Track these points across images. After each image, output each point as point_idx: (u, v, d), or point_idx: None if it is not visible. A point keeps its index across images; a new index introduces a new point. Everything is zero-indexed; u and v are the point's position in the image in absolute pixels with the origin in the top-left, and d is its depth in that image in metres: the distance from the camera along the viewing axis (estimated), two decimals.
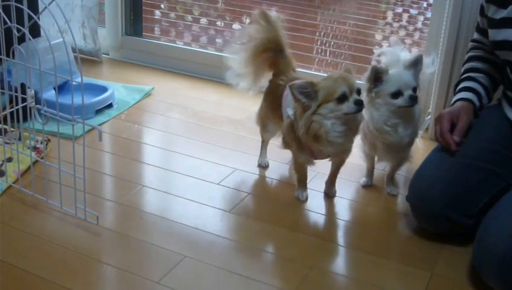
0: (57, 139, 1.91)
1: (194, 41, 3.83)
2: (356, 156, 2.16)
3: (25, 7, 1.81)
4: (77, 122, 1.79)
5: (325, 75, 2.07)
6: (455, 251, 1.87)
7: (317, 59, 3.56)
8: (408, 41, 3.84)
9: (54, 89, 2.08)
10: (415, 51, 3.63)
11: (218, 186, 2.18)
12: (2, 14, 1.87)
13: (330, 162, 2.11)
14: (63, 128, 1.91)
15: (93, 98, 2.69)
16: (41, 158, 2.15)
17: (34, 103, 2.05)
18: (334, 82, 1.89)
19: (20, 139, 2.16)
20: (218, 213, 2.03)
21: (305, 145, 1.98)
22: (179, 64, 3.23)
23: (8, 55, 1.96)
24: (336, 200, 2.14)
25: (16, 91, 2.04)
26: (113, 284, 1.74)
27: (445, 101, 2.52)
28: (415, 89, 1.95)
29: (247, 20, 4.08)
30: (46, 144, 2.27)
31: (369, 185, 2.20)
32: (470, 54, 2.08)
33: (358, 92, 1.89)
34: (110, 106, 2.75)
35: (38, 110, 1.91)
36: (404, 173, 2.29)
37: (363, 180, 2.21)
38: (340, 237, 1.96)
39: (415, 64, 1.99)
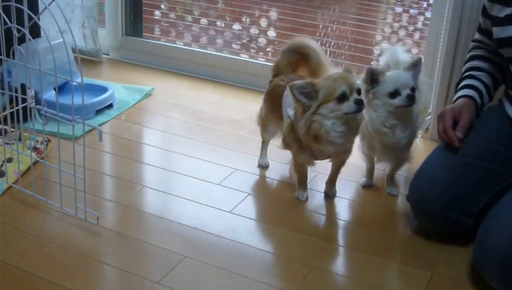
0: (57, 140, 1.91)
1: (194, 42, 3.83)
2: (356, 156, 2.16)
3: (25, 7, 1.81)
4: (77, 123, 1.79)
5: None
6: (455, 250, 1.87)
7: None
8: (408, 41, 3.84)
9: (54, 89, 2.08)
10: (415, 52, 3.64)
11: (218, 187, 2.18)
12: (2, 14, 1.87)
13: (330, 163, 2.11)
14: (63, 128, 1.91)
15: (94, 98, 2.69)
16: (42, 158, 2.15)
17: (34, 104, 2.05)
18: (334, 82, 1.89)
19: (20, 139, 2.16)
20: (218, 213, 2.03)
21: (305, 146, 1.98)
22: (179, 65, 3.23)
23: (8, 56, 1.96)
24: (336, 200, 2.14)
25: (16, 91, 2.04)
26: (113, 285, 1.74)
27: (445, 101, 2.52)
28: (413, 89, 1.95)
29: (247, 20, 4.09)
30: (46, 145, 2.27)
31: (369, 185, 2.21)
32: (471, 53, 2.08)
33: (359, 91, 1.89)
34: (110, 106, 2.75)
35: (39, 110, 1.91)
36: (404, 173, 2.29)
37: (362, 180, 2.22)
38: (340, 237, 1.96)
39: (414, 67, 1.99)
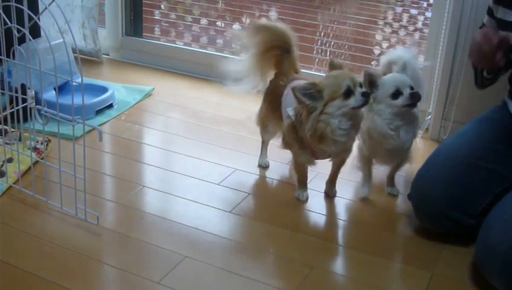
0: (57, 140, 1.91)
1: (194, 42, 3.83)
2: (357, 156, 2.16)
3: (25, 8, 1.81)
4: (77, 123, 1.79)
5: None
6: (456, 250, 1.87)
7: (317, 59, 3.56)
8: (408, 41, 3.84)
9: (54, 89, 2.08)
10: (415, 52, 3.63)
11: (219, 187, 2.18)
12: (2, 14, 1.87)
13: (330, 163, 2.11)
14: (63, 128, 1.91)
15: (94, 98, 2.69)
16: (42, 159, 2.15)
17: (34, 104, 2.05)
18: (336, 78, 1.88)
19: (20, 139, 2.16)
20: (218, 213, 2.03)
21: (306, 145, 1.98)
22: (179, 65, 3.23)
23: (8, 56, 1.96)
24: (336, 200, 2.14)
25: (16, 92, 2.04)
26: (113, 285, 1.74)
27: (445, 101, 2.52)
28: (412, 88, 1.95)
29: (248, 20, 4.08)
30: (47, 145, 2.27)
31: (368, 197, 2.16)
32: None
33: (361, 85, 1.89)
34: (110, 106, 2.75)
35: (39, 110, 1.91)
36: (405, 173, 2.29)
37: (362, 192, 2.14)
38: (341, 237, 1.96)
39: (405, 68, 2.00)
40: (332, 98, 1.86)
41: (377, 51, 3.71)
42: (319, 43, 3.77)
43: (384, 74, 2.04)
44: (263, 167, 2.31)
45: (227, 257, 1.82)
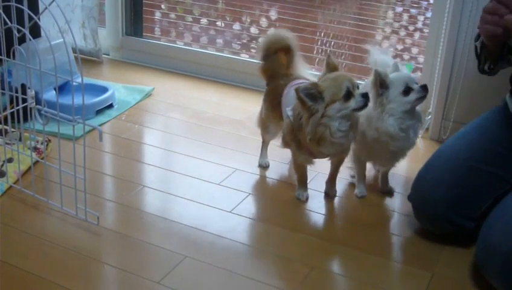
0: (57, 140, 1.91)
1: (194, 42, 3.83)
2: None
3: (25, 7, 1.81)
4: (77, 123, 1.79)
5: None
6: (456, 251, 1.87)
7: (317, 59, 3.56)
8: (408, 41, 3.85)
9: (55, 89, 2.08)
10: (415, 51, 3.64)
11: (219, 187, 2.18)
12: (3, 14, 1.87)
13: (329, 162, 2.11)
14: (63, 128, 1.91)
15: (94, 98, 2.69)
16: (42, 159, 2.15)
17: (34, 104, 2.05)
18: (336, 81, 1.88)
19: (20, 139, 2.16)
20: (218, 213, 2.03)
21: (304, 146, 1.98)
22: (179, 65, 3.23)
23: (8, 56, 1.96)
24: (336, 200, 2.14)
25: (17, 92, 2.04)
26: (113, 285, 1.74)
27: (445, 100, 2.52)
28: (416, 82, 1.96)
29: (248, 20, 4.09)
30: (47, 145, 2.27)
31: (365, 196, 2.16)
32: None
33: (358, 86, 1.90)
34: (110, 106, 2.75)
35: (39, 110, 1.91)
36: (405, 173, 2.29)
37: (359, 192, 2.15)
38: (341, 237, 1.96)
39: (397, 70, 2.02)
40: (333, 100, 1.86)
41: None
42: (319, 43, 3.77)
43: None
44: (263, 166, 2.31)
45: (228, 257, 1.82)
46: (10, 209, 1.99)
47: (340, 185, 2.17)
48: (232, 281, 1.71)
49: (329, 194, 2.14)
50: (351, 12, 4.18)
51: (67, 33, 1.92)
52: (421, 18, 4.06)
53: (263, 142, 2.32)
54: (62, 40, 1.89)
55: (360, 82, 2.12)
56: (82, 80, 1.73)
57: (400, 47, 3.78)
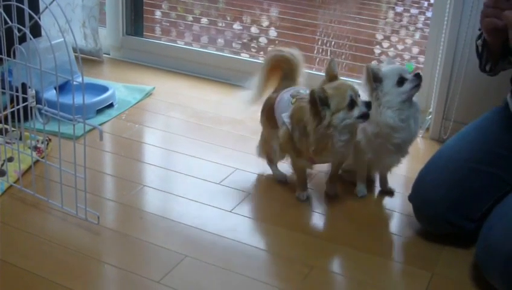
0: (57, 139, 1.91)
1: (194, 41, 3.83)
2: None
3: (25, 7, 1.81)
4: (78, 122, 1.79)
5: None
6: (456, 251, 1.87)
7: (318, 59, 3.56)
8: (409, 41, 3.84)
9: (55, 88, 2.08)
10: (416, 51, 3.64)
11: (219, 186, 2.18)
12: (3, 13, 1.87)
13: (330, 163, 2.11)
14: (63, 128, 1.91)
15: (94, 97, 2.69)
16: (42, 158, 2.15)
17: (34, 103, 2.05)
18: (339, 90, 1.87)
19: (21, 139, 2.16)
20: (218, 213, 2.03)
21: (303, 154, 1.98)
22: (179, 64, 3.23)
23: (9, 55, 1.96)
24: (336, 199, 2.14)
25: (17, 91, 2.05)
26: (113, 284, 1.74)
27: (445, 100, 2.52)
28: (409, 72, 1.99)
29: (248, 20, 4.08)
30: (47, 144, 2.27)
31: (366, 196, 2.16)
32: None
33: (359, 94, 1.90)
34: (110, 105, 2.75)
35: (39, 109, 1.91)
36: (405, 173, 2.29)
37: (360, 191, 2.15)
38: (341, 236, 1.96)
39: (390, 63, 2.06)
40: (338, 110, 1.86)
41: (377, 51, 3.72)
42: (319, 43, 3.77)
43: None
44: (284, 181, 2.21)
45: (228, 256, 1.82)
46: (10, 208, 1.99)
47: (340, 185, 2.17)
48: (232, 281, 1.71)
49: (330, 193, 2.14)
50: (352, 12, 4.18)
51: (68, 32, 1.92)
52: (422, 18, 4.06)
53: (271, 163, 2.25)
54: (62, 39, 1.89)
55: (359, 81, 2.12)
56: (82, 79, 1.73)
57: (400, 47, 3.78)
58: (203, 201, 2.08)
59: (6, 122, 2.07)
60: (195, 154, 2.39)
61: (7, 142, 2.15)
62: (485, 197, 1.81)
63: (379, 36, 3.91)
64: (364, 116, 1.89)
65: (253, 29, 4.03)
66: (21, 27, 1.83)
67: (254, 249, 1.86)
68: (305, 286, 1.71)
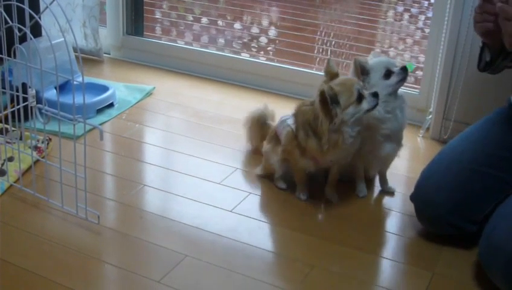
0: (58, 139, 1.91)
1: (195, 41, 3.84)
2: None
3: (26, 7, 1.81)
4: (78, 122, 1.79)
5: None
6: (456, 250, 1.87)
7: (318, 58, 3.56)
8: (409, 40, 3.85)
9: (55, 88, 2.08)
10: (416, 50, 3.64)
11: (219, 186, 2.18)
12: (4, 13, 1.87)
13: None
14: (64, 127, 1.91)
15: (94, 97, 2.69)
16: (43, 157, 2.15)
17: (35, 103, 2.05)
18: (345, 85, 1.88)
19: (21, 138, 2.16)
20: (219, 212, 2.03)
21: (308, 153, 1.98)
22: (180, 64, 3.23)
23: (9, 55, 1.96)
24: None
25: (17, 90, 2.05)
26: (113, 284, 1.74)
27: (446, 100, 2.52)
28: (395, 65, 2.02)
29: (248, 20, 4.09)
30: (47, 144, 2.27)
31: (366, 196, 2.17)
32: None
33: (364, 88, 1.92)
34: (111, 105, 2.75)
35: (40, 109, 1.91)
36: (405, 173, 2.29)
37: (360, 191, 2.15)
38: (341, 236, 1.96)
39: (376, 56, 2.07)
40: (347, 105, 1.87)
41: (377, 51, 3.72)
42: (320, 43, 3.77)
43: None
44: (284, 189, 2.17)
45: (228, 256, 1.82)
46: (10, 208, 1.99)
47: (341, 185, 2.17)
48: (232, 280, 1.71)
49: (332, 200, 2.11)
50: (352, 12, 4.18)
51: (68, 32, 1.92)
52: (422, 17, 4.06)
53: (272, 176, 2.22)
54: (63, 39, 1.90)
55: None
56: (83, 79, 1.73)
57: (400, 46, 3.78)
58: (204, 201, 2.08)
59: (6, 121, 2.07)
60: (195, 154, 2.39)
61: (7, 142, 2.15)
62: (487, 200, 1.80)
63: (379, 36, 3.91)
64: (374, 108, 1.91)
65: (254, 29, 4.03)
66: (21, 27, 1.83)
67: (254, 249, 1.86)
68: (306, 285, 1.71)
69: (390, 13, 4.21)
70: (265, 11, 4.37)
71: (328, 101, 1.84)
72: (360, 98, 1.88)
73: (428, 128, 2.62)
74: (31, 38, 1.83)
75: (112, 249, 1.85)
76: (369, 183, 2.20)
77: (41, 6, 2.54)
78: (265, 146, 2.18)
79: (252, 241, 1.89)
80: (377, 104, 1.90)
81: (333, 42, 3.76)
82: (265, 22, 4.18)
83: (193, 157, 2.37)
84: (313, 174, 2.11)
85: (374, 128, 2.01)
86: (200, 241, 1.88)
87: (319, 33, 3.91)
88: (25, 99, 2.05)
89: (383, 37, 3.93)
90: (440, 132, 2.56)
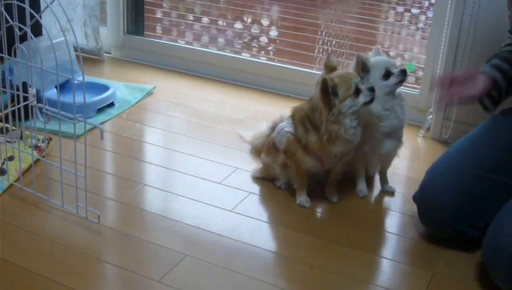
0: (58, 138, 1.91)
1: (195, 40, 3.83)
2: None
3: (27, 6, 1.81)
4: (79, 121, 1.79)
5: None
6: (457, 250, 1.87)
7: (318, 58, 3.56)
8: (410, 40, 3.84)
9: (56, 87, 2.08)
10: (416, 51, 3.63)
11: (220, 186, 2.18)
12: (4, 12, 1.87)
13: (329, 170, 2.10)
14: (64, 127, 1.91)
15: (95, 96, 2.69)
16: (43, 157, 2.15)
17: (35, 102, 2.05)
18: (344, 78, 1.91)
19: (21, 137, 2.17)
20: (219, 212, 2.03)
21: (311, 152, 1.98)
22: (180, 63, 3.23)
23: (10, 54, 1.96)
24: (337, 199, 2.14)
25: (18, 90, 2.05)
26: (114, 283, 1.74)
27: None
28: (396, 66, 2.03)
29: (249, 19, 4.08)
30: (48, 143, 2.27)
31: (366, 196, 2.17)
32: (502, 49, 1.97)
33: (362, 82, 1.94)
34: (111, 104, 2.75)
35: (40, 108, 1.91)
36: (406, 173, 2.29)
37: (360, 191, 2.16)
38: (341, 236, 1.96)
39: (378, 54, 2.09)
40: (345, 97, 1.89)
41: (378, 47, 3.71)
42: (320, 43, 3.77)
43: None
44: (305, 206, 2.11)
45: (228, 255, 1.82)
46: (11, 207, 1.99)
47: (341, 185, 2.17)
48: (232, 280, 1.71)
49: (332, 200, 2.11)
50: (353, 12, 4.18)
51: (69, 31, 1.92)
52: (423, 18, 4.06)
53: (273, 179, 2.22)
54: (63, 38, 1.89)
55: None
56: (83, 78, 1.73)
57: (401, 46, 3.78)
58: (204, 200, 2.08)
59: (7, 121, 2.07)
60: (196, 153, 2.39)
61: (8, 141, 2.15)
62: (491, 206, 1.77)
63: (380, 36, 3.91)
64: (370, 102, 1.93)
65: (254, 29, 4.03)
66: (22, 26, 1.83)
67: (255, 249, 1.86)
68: (306, 285, 1.71)
69: (391, 13, 4.21)
70: (266, 10, 4.36)
71: (330, 90, 1.86)
72: (357, 91, 1.90)
73: (428, 128, 2.62)
74: (31, 38, 1.83)
75: (112, 248, 1.85)
76: (369, 183, 2.20)
77: (42, 5, 2.54)
78: (265, 158, 2.18)
79: (252, 241, 1.89)
80: (373, 99, 1.92)
81: (334, 42, 3.76)
82: (266, 22, 4.17)
83: (193, 157, 2.37)
84: (314, 176, 2.11)
85: (373, 125, 2.02)
86: (200, 241, 1.88)
87: (319, 33, 3.91)
88: (26, 99, 2.05)
89: (384, 37, 3.93)
90: (440, 132, 2.56)
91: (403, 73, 1.99)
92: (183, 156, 2.39)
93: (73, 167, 1.85)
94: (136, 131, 2.59)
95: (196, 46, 3.53)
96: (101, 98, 2.71)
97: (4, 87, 2.08)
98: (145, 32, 3.46)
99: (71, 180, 1.88)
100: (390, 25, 4.07)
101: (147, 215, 2.00)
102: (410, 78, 2.82)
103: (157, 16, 4.03)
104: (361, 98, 1.91)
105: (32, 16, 1.79)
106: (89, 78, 2.70)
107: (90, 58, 3.27)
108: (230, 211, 2.03)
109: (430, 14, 3.77)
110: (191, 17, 4.12)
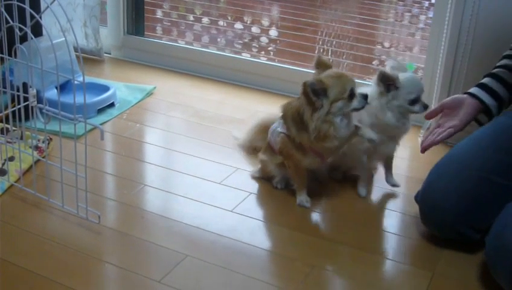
0: (58, 138, 1.91)
1: (195, 41, 3.84)
2: None
3: (27, 6, 1.81)
4: (79, 122, 1.79)
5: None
6: (457, 250, 1.87)
7: None
8: (410, 40, 3.85)
9: (56, 88, 2.08)
10: (416, 51, 3.64)
11: (220, 186, 2.18)
12: (4, 13, 1.87)
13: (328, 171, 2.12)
14: (64, 127, 1.91)
15: (95, 97, 2.69)
16: (43, 157, 2.15)
17: (36, 102, 2.05)
18: (340, 80, 1.92)
19: (22, 138, 2.17)
20: (219, 212, 2.03)
21: (308, 149, 1.98)
22: (180, 64, 3.23)
23: (10, 55, 1.96)
24: (337, 199, 2.14)
25: (18, 90, 2.05)
26: (114, 283, 1.74)
27: None
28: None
29: (249, 20, 4.09)
30: (48, 143, 2.27)
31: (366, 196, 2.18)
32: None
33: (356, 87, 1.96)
34: (111, 105, 2.75)
35: (40, 109, 1.91)
36: (406, 173, 2.29)
37: (362, 191, 2.16)
38: (341, 236, 1.96)
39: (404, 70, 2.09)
40: (337, 99, 1.90)
41: (378, 51, 3.72)
42: (320, 43, 3.77)
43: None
44: (305, 206, 2.11)
45: (229, 255, 1.82)
46: (11, 207, 1.99)
47: (341, 185, 2.17)
48: (232, 280, 1.71)
49: (335, 178, 2.15)
50: (353, 12, 4.19)
51: (69, 32, 1.92)
52: (423, 18, 4.06)
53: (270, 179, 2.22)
54: (64, 38, 1.89)
55: (367, 82, 2.14)
56: (83, 78, 1.73)
57: (401, 46, 3.78)
58: (204, 200, 2.08)
59: (7, 121, 2.07)
60: (196, 153, 2.40)
61: (8, 142, 2.15)
62: (494, 209, 1.75)
63: (380, 36, 3.91)
64: (361, 109, 1.96)
65: (254, 29, 4.03)
66: (22, 26, 1.83)
67: (255, 249, 1.86)
68: (306, 285, 1.71)
69: (391, 13, 4.22)
70: (266, 11, 4.37)
71: (310, 93, 1.87)
72: (351, 96, 1.92)
73: (428, 128, 2.61)
74: (31, 38, 1.83)
75: (113, 248, 1.85)
76: (370, 183, 2.20)
77: (42, 5, 2.54)
78: (262, 155, 2.18)
79: (252, 241, 1.89)
80: (364, 106, 1.94)
81: (334, 42, 3.76)
82: (266, 22, 4.18)
83: (193, 157, 2.37)
84: (313, 173, 2.12)
85: (383, 130, 2.04)
86: (201, 241, 1.88)
87: (319, 33, 3.91)
88: (26, 99, 2.05)
89: (384, 37, 3.93)
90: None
91: (425, 108, 2.03)
92: (183, 156, 2.39)
93: (73, 167, 1.85)
94: (136, 131, 2.59)
95: (196, 47, 3.53)
96: (102, 99, 2.71)
97: (4, 87, 2.08)
98: (145, 33, 3.46)
99: (71, 181, 1.89)
100: (391, 24, 4.08)
101: (147, 215, 2.00)
102: None
103: (157, 16, 4.04)
104: (354, 104, 1.92)
105: (32, 17, 1.79)
106: (89, 79, 2.70)
107: (90, 58, 3.27)
108: (230, 211, 2.04)
109: (430, 14, 3.77)
110: (191, 17, 4.12)
